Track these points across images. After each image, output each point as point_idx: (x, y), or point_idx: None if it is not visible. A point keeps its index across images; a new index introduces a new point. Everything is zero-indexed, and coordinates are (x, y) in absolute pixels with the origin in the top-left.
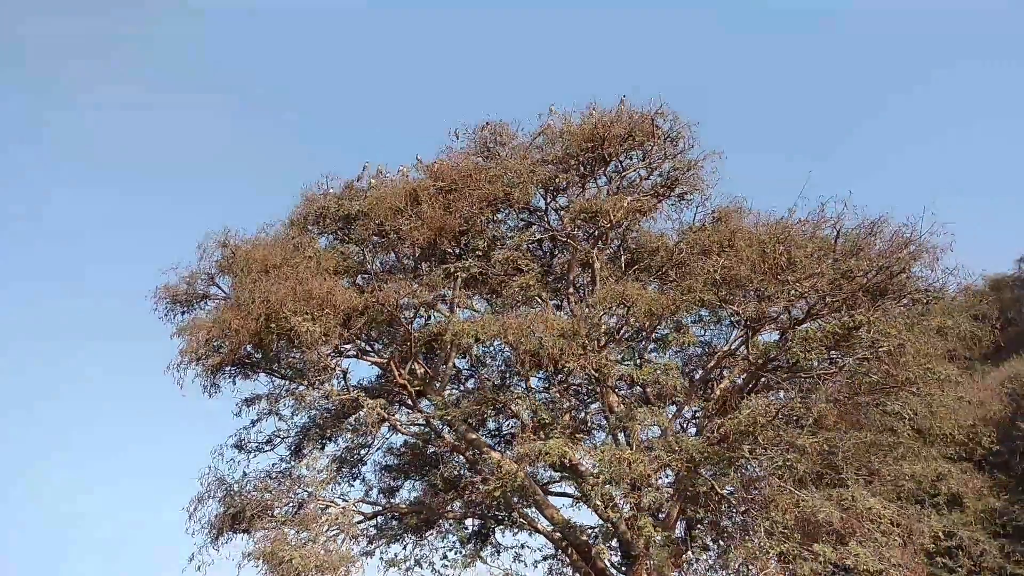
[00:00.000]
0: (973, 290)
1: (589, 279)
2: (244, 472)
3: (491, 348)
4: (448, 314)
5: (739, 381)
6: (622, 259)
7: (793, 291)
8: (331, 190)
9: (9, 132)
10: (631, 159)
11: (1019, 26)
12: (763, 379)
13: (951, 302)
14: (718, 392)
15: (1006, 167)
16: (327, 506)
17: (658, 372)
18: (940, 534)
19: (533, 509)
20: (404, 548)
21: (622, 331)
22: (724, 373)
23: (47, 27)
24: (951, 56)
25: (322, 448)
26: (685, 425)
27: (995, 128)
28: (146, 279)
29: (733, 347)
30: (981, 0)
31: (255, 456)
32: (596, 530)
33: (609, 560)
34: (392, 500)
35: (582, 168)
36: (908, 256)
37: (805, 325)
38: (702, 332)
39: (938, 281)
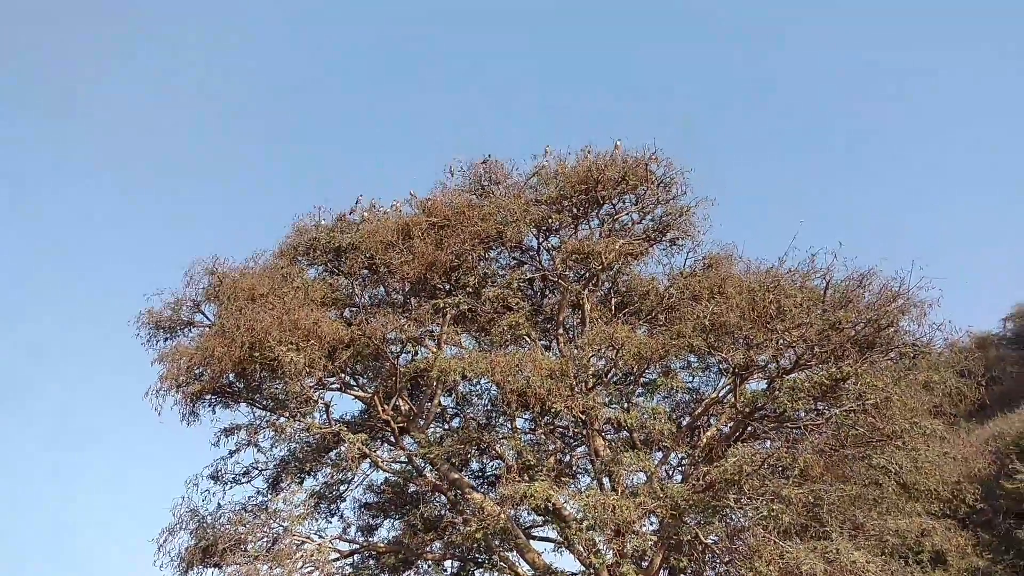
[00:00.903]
0: (959, 346)
1: (579, 320)
2: (219, 504)
3: (477, 386)
4: (435, 350)
5: (726, 429)
6: (612, 301)
7: (782, 340)
8: (323, 221)
9: None
10: (624, 203)
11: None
12: (750, 428)
13: (937, 357)
14: (704, 439)
15: (994, 227)
16: (303, 542)
17: (645, 417)
18: None
19: (514, 553)
20: None
21: (610, 374)
22: (711, 420)
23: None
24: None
25: (300, 482)
26: (671, 472)
27: (988, 188)
28: (131, 303)
29: (720, 395)
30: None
31: (231, 488)
32: None
33: None
34: (370, 538)
35: (575, 209)
36: (896, 310)
37: (793, 375)
38: (690, 378)
39: (925, 336)
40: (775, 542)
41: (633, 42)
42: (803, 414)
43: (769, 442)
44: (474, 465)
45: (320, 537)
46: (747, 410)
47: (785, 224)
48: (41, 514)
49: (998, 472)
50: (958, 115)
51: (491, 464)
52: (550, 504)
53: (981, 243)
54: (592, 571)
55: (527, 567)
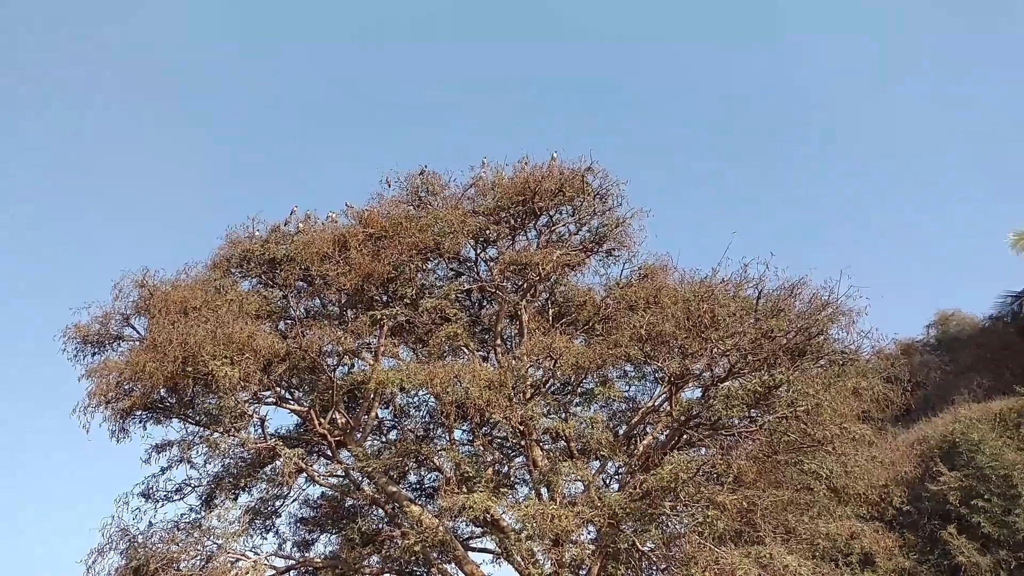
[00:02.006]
0: (885, 353)
1: (516, 331)
2: (150, 522)
3: (415, 399)
4: (372, 362)
5: (662, 437)
6: (550, 312)
7: (716, 349)
8: (257, 233)
9: None
10: (561, 214)
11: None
12: (685, 436)
13: (865, 364)
14: (641, 448)
15: (917, 234)
16: (237, 559)
17: (583, 426)
18: None
19: (453, 565)
20: None
21: (548, 384)
22: (647, 429)
23: None
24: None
25: (235, 498)
26: (608, 481)
27: (910, 196)
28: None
29: (657, 403)
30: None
31: (163, 505)
32: None
33: None
34: (306, 554)
35: (512, 220)
36: (826, 318)
37: (727, 383)
38: (627, 387)
39: (854, 343)
40: (710, 548)
41: (553, 52)
42: (737, 421)
43: (704, 449)
44: (412, 478)
45: (256, 554)
46: (683, 418)
47: (718, 235)
48: None
49: (923, 475)
50: (876, 122)
51: (429, 476)
52: (488, 515)
53: (904, 251)
54: None
55: None
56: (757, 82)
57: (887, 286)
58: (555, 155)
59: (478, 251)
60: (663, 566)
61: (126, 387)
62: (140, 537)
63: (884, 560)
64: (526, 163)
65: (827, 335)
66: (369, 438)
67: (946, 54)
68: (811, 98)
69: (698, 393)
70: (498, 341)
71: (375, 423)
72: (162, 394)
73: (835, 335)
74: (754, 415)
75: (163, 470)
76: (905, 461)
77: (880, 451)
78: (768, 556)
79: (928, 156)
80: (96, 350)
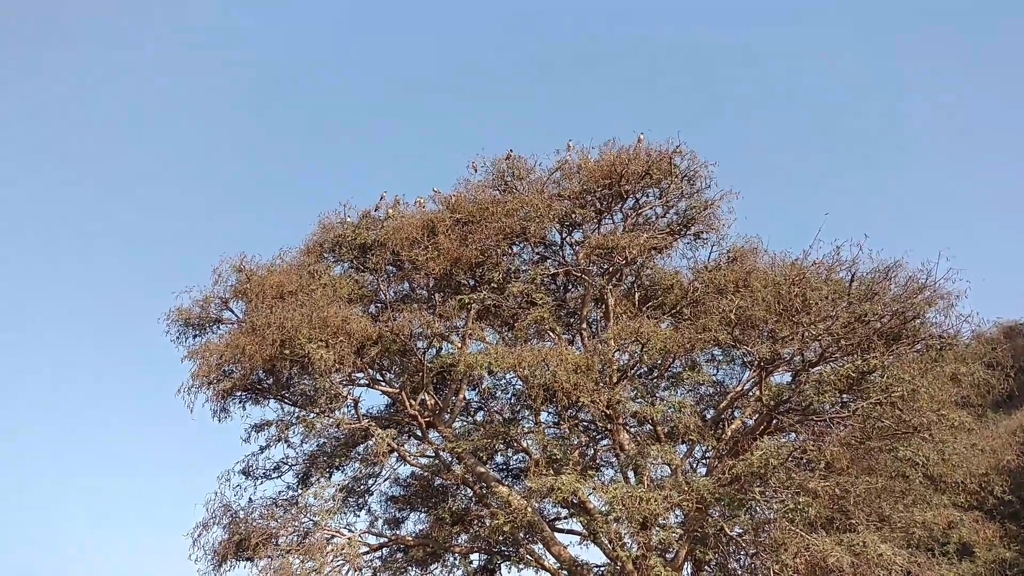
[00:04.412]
0: (986, 337)
1: (602, 315)
2: (250, 499)
3: (502, 381)
4: (460, 346)
5: (751, 422)
6: (636, 296)
7: (807, 333)
8: (348, 218)
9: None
10: (647, 197)
11: None
12: (775, 421)
13: (964, 349)
14: (729, 432)
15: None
16: (332, 536)
17: (670, 410)
18: None
19: (540, 546)
20: None
21: (635, 368)
22: (736, 414)
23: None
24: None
25: (329, 477)
26: (695, 465)
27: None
28: (160, 299)
29: (745, 388)
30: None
31: (262, 483)
32: (603, 569)
33: None
34: (397, 532)
35: (598, 204)
36: (923, 302)
37: (818, 368)
38: (715, 371)
39: (952, 327)
40: (801, 535)
41: (655, 33)
42: (829, 407)
43: (794, 435)
44: (499, 459)
45: (350, 531)
46: (772, 403)
47: (810, 217)
48: (74, 512)
49: None
50: (983, 105)
51: (516, 458)
52: (576, 497)
53: (1008, 232)
54: (618, 564)
55: (553, 560)
56: (855, 52)
57: (989, 266)
58: (641, 137)
59: (564, 235)
60: (752, 551)
61: (226, 369)
62: (241, 513)
63: (984, 551)
64: (612, 146)
65: (924, 319)
66: (457, 419)
67: None
68: (914, 70)
69: (788, 378)
70: (584, 325)
71: (463, 405)
72: (260, 376)
73: (932, 319)
74: (847, 400)
75: (262, 449)
76: (1007, 449)
77: (980, 438)
78: (861, 544)
79: None
80: (197, 332)
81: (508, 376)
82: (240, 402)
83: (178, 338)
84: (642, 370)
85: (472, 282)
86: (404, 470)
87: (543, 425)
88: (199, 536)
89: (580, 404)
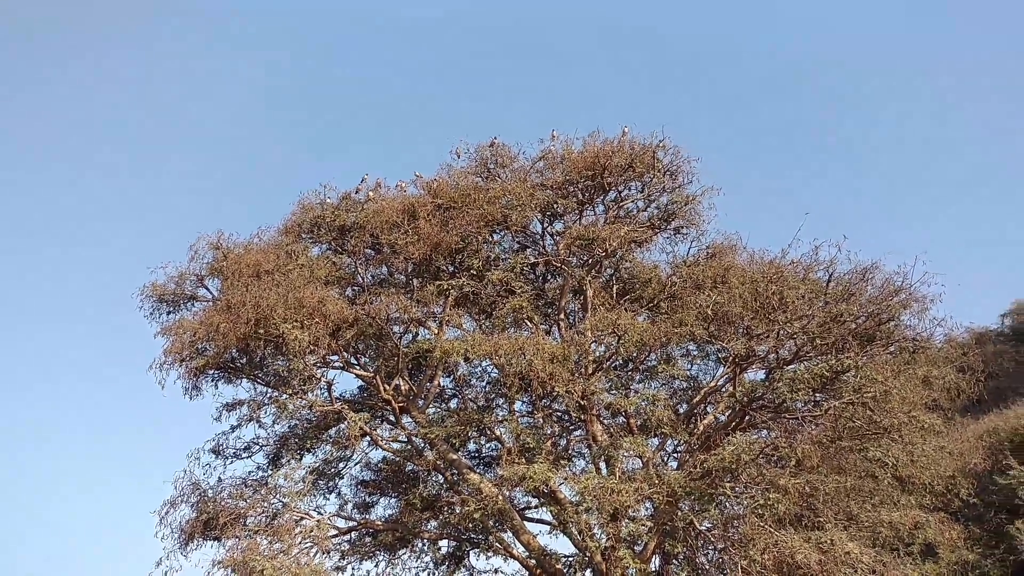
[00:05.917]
0: (958, 342)
1: (580, 306)
2: (219, 478)
3: (477, 369)
4: (437, 331)
5: (723, 418)
6: (614, 288)
7: (783, 331)
8: (328, 199)
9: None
10: (630, 189)
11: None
12: (747, 417)
13: (936, 352)
14: (702, 427)
15: (994, 223)
16: (301, 518)
17: (644, 403)
18: None
19: (509, 534)
20: (376, 566)
21: (610, 359)
22: (709, 409)
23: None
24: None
25: (300, 459)
26: (667, 458)
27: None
28: (132, 275)
29: (719, 383)
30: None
31: (232, 462)
32: (571, 559)
33: None
34: (367, 516)
35: (580, 195)
36: (898, 304)
37: (792, 366)
38: (689, 366)
39: (926, 331)
40: (770, 531)
41: (642, 29)
42: (801, 405)
43: (766, 432)
44: (471, 446)
45: (319, 513)
46: (745, 399)
47: (790, 216)
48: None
49: (992, 467)
50: (960, 110)
51: (488, 446)
52: (547, 487)
53: (981, 240)
54: (587, 555)
55: (522, 549)
56: (837, 54)
57: (963, 273)
58: (626, 129)
59: (545, 225)
60: (720, 546)
61: (200, 346)
62: (210, 492)
63: (947, 552)
64: (596, 137)
65: (898, 321)
66: (431, 406)
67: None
68: (892, 72)
69: (762, 375)
70: (562, 315)
71: (438, 391)
72: (234, 354)
73: (907, 322)
74: (819, 399)
75: (233, 428)
76: (974, 452)
77: (948, 441)
78: (828, 542)
79: (1006, 141)
80: (171, 309)
81: (484, 364)
82: (212, 380)
83: (152, 314)
84: (618, 362)
85: (451, 268)
86: (376, 454)
87: (517, 414)
88: (167, 514)
89: (555, 394)
